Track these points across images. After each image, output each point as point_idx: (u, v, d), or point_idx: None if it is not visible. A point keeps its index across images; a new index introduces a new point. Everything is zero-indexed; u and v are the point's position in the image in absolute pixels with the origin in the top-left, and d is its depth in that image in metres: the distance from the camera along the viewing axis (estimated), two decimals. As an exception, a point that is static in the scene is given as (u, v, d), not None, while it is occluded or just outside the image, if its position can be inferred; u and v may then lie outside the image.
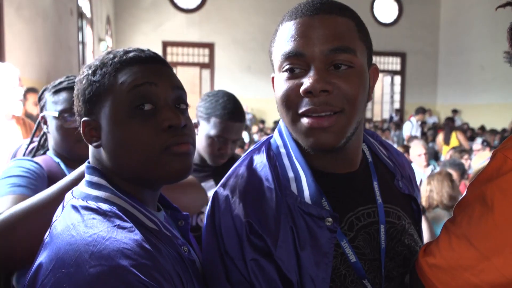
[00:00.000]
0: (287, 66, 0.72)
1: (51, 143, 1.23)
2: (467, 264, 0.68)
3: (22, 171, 1.08)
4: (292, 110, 0.72)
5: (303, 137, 0.73)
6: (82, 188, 0.72)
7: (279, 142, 0.81)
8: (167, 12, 11.33)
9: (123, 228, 0.63)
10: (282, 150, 0.79)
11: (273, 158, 0.79)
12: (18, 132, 2.43)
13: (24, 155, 1.27)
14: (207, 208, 0.79)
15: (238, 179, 0.77)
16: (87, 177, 0.73)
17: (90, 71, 0.74)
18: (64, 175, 1.16)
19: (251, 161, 0.80)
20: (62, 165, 1.20)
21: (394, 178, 0.86)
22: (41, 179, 1.10)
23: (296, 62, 0.71)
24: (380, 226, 0.77)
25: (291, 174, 0.76)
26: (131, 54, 0.73)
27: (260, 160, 0.79)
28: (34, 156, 1.25)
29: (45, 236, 0.67)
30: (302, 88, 0.69)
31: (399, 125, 9.85)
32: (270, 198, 0.73)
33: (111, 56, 0.74)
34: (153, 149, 0.69)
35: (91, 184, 0.72)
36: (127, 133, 0.69)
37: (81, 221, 0.64)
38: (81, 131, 0.74)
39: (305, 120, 0.71)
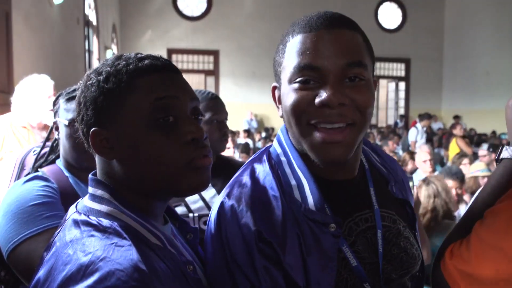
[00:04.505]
0: (301, 78, 0.72)
1: (61, 150, 1.25)
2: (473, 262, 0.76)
3: (46, 193, 1.10)
4: (303, 120, 0.73)
5: (314, 151, 0.74)
6: (86, 201, 0.71)
7: (279, 150, 0.82)
8: (172, 19, 11.43)
9: (121, 246, 0.61)
10: (283, 159, 0.81)
11: (275, 166, 0.80)
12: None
13: (35, 160, 1.28)
14: (210, 218, 0.79)
15: (242, 188, 0.77)
16: (91, 189, 0.71)
17: (101, 78, 0.69)
18: (73, 190, 1.17)
19: (253, 170, 0.81)
20: (71, 180, 1.20)
21: (388, 184, 0.88)
22: (59, 197, 1.14)
23: (311, 75, 0.72)
24: (377, 231, 0.79)
25: (293, 182, 0.77)
26: (147, 62, 0.70)
27: (263, 169, 0.80)
28: (45, 161, 1.27)
29: (45, 252, 0.67)
30: (318, 100, 0.71)
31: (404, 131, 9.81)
32: (276, 206, 0.75)
33: (124, 62, 0.70)
34: (176, 163, 0.67)
35: (94, 198, 0.70)
36: (149, 145, 0.67)
37: (80, 238, 0.63)
38: (89, 142, 0.70)
39: (317, 134, 0.72)
